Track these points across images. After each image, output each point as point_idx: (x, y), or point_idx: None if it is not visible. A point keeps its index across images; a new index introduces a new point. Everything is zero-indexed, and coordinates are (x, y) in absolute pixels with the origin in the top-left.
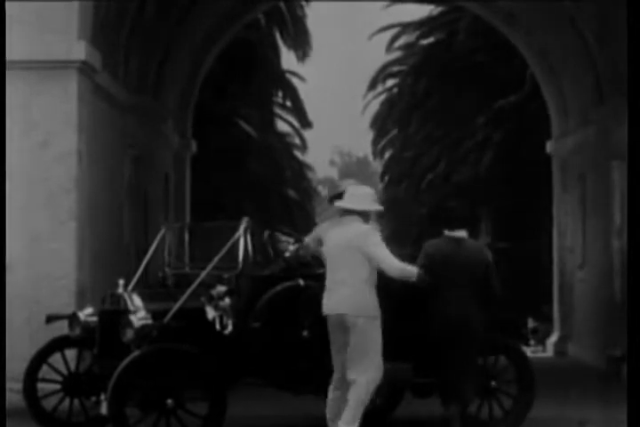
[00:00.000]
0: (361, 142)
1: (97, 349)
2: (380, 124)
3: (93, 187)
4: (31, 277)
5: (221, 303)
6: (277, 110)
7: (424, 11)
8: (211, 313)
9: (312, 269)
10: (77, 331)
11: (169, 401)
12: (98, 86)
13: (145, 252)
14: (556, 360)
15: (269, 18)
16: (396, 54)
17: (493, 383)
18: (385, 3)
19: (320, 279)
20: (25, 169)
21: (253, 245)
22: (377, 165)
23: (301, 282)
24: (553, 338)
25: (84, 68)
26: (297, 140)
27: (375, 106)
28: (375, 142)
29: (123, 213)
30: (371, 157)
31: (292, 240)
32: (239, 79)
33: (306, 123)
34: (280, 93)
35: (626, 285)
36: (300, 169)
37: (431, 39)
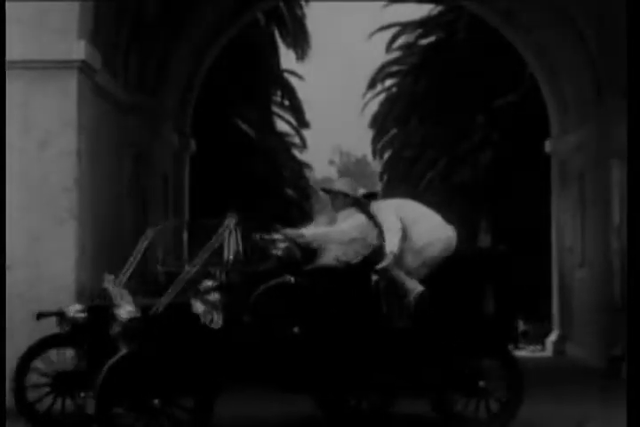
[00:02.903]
0: (360, 142)
1: (86, 345)
2: (380, 124)
3: (93, 186)
4: (31, 276)
5: (210, 298)
6: (276, 110)
7: (423, 10)
8: (198, 307)
9: (302, 266)
10: (66, 328)
11: (156, 402)
12: (98, 86)
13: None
14: (556, 360)
15: (269, 17)
16: (395, 54)
17: (481, 384)
18: (384, 2)
19: (310, 276)
20: (25, 168)
21: (243, 241)
22: (376, 165)
23: (291, 279)
24: (552, 337)
25: (84, 68)
26: (296, 140)
27: (374, 105)
28: (374, 142)
29: (122, 213)
30: (370, 157)
31: (282, 238)
32: (239, 78)
33: (303, 122)
34: (279, 93)
35: (625, 284)
36: (299, 168)
37: (431, 39)
